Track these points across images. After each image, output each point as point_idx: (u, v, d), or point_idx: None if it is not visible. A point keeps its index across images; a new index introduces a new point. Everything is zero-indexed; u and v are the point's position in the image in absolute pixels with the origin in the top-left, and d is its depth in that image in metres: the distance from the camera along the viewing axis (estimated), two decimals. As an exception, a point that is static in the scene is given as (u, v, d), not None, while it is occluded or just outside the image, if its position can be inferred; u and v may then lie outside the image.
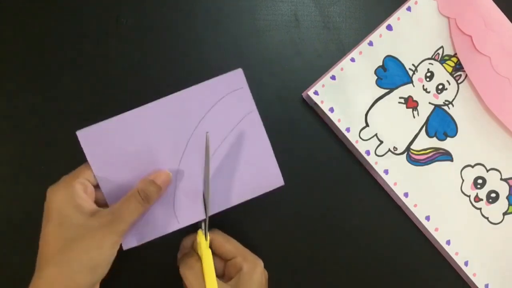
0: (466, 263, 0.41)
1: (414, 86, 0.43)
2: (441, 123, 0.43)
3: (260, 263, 0.35)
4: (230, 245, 0.35)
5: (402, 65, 0.43)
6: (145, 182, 0.33)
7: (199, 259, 0.34)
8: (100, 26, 0.43)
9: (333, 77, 0.42)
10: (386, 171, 0.42)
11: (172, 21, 0.43)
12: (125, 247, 0.34)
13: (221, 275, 0.36)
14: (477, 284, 0.41)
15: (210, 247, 0.34)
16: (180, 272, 0.34)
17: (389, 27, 0.43)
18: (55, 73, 0.42)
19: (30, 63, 0.42)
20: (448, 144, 0.42)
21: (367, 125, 0.42)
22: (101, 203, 0.34)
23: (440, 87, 0.43)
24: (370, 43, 0.43)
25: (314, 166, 0.42)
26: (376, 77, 0.43)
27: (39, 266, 0.31)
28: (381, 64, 0.43)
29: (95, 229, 0.31)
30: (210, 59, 0.43)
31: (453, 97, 0.43)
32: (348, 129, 0.42)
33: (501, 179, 0.43)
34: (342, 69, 0.42)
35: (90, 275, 0.31)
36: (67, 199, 0.31)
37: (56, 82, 0.42)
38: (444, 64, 0.43)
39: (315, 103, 0.42)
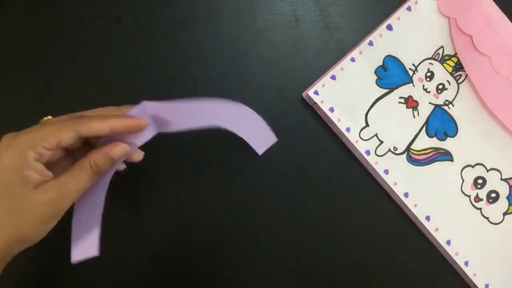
0: (466, 263, 0.41)
1: (414, 86, 0.43)
2: (441, 123, 0.43)
3: None
4: None
5: (402, 65, 0.43)
6: (100, 154, 0.30)
7: None
8: (100, 26, 0.43)
9: (333, 77, 0.42)
10: (386, 171, 0.42)
11: (172, 21, 0.43)
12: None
13: None
14: (477, 284, 0.41)
15: None
16: None
17: (389, 27, 0.43)
18: (55, 73, 0.42)
19: (29, 63, 0.42)
20: (448, 144, 0.42)
21: (367, 125, 0.42)
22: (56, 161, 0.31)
23: (440, 87, 0.43)
24: (370, 43, 0.43)
25: (314, 166, 0.42)
26: (376, 77, 0.43)
27: None
28: (381, 64, 0.43)
29: (36, 206, 0.29)
30: (210, 59, 0.43)
31: (453, 97, 0.43)
32: (348, 129, 0.42)
33: (501, 179, 0.42)
34: (342, 69, 0.42)
35: (16, 247, 0.30)
36: (14, 167, 0.28)
37: (56, 82, 0.42)
38: (444, 64, 0.43)
39: (315, 103, 0.42)
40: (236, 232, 0.41)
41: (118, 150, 0.31)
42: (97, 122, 0.30)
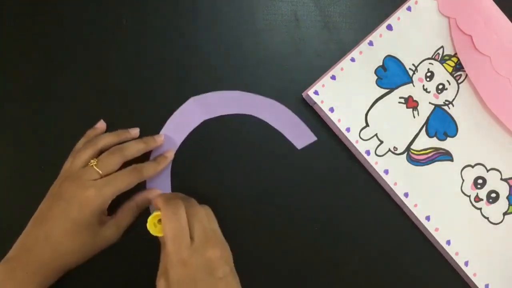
0: (466, 263, 0.41)
1: (414, 86, 0.43)
2: (441, 123, 0.43)
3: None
4: None
5: (402, 65, 0.43)
6: (141, 197, 0.39)
7: None
8: (100, 26, 0.43)
9: (333, 77, 0.42)
10: (386, 171, 0.42)
11: (172, 21, 0.43)
12: None
13: None
14: (477, 284, 0.41)
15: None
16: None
17: (389, 27, 0.43)
18: (55, 73, 0.42)
19: (29, 63, 0.42)
20: (448, 144, 0.42)
21: (367, 125, 0.42)
22: None
23: (440, 87, 0.43)
24: (370, 43, 0.43)
25: (314, 166, 0.42)
26: (376, 77, 0.43)
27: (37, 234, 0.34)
28: (381, 64, 0.43)
29: (102, 240, 0.36)
30: (210, 59, 0.43)
31: (453, 97, 0.43)
32: (348, 129, 0.42)
33: (501, 179, 0.42)
34: (342, 69, 0.42)
35: (65, 269, 0.35)
36: (97, 206, 0.35)
37: (56, 82, 0.42)
38: (444, 64, 0.43)
39: (315, 103, 0.42)
40: (235, 232, 0.41)
41: (153, 192, 0.40)
42: (152, 171, 0.39)
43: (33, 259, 0.33)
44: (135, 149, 0.38)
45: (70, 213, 0.34)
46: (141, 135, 0.41)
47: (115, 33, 0.43)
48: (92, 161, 0.36)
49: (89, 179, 0.35)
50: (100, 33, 0.43)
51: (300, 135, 0.42)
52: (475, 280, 0.41)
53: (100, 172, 0.35)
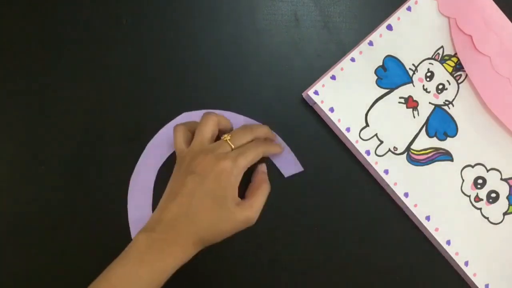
0: (466, 263, 0.41)
1: (414, 86, 0.43)
2: (441, 123, 0.43)
3: None
4: None
5: (402, 65, 0.43)
6: (264, 174, 0.40)
7: None
8: (100, 26, 0.43)
9: (333, 77, 0.42)
10: (386, 171, 0.42)
11: (172, 21, 0.43)
12: None
13: None
14: (477, 284, 0.41)
15: None
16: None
17: (389, 27, 0.43)
18: (55, 73, 0.42)
19: (30, 63, 0.42)
20: (448, 144, 0.42)
21: (367, 125, 0.42)
22: None
23: (440, 87, 0.43)
24: (370, 43, 0.43)
25: (314, 166, 0.42)
26: (376, 77, 0.43)
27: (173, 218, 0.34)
28: (381, 64, 0.43)
29: (237, 220, 0.35)
30: (210, 59, 0.43)
31: (453, 97, 0.43)
32: (348, 129, 0.42)
33: (501, 179, 0.42)
34: (342, 69, 0.42)
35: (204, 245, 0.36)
36: (233, 187, 0.35)
37: (56, 81, 0.42)
38: (444, 64, 0.43)
39: (315, 103, 0.42)
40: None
41: (264, 167, 0.41)
42: (276, 149, 0.40)
43: (173, 234, 0.33)
44: (263, 131, 0.39)
45: (207, 185, 0.34)
46: (141, 134, 0.41)
47: (115, 33, 0.43)
48: (225, 135, 0.37)
49: (223, 151, 0.35)
50: (100, 33, 0.43)
51: (288, 164, 0.42)
52: (475, 280, 0.41)
53: (233, 146, 0.36)
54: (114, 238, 0.40)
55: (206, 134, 0.36)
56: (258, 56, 0.43)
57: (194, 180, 0.34)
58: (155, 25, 0.43)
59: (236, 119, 0.42)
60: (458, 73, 0.43)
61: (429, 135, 0.42)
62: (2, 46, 0.42)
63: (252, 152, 0.36)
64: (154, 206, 0.41)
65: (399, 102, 0.43)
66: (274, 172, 0.42)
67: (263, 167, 0.41)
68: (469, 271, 0.41)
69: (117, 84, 0.42)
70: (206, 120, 0.37)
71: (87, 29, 0.43)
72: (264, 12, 0.44)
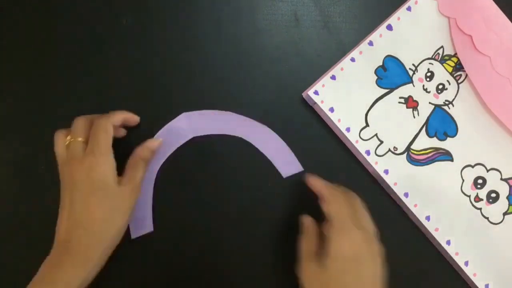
0: (466, 263, 0.41)
1: (414, 86, 0.43)
2: (441, 123, 0.43)
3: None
4: None
5: (402, 65, 0.43)
6: (143, 148, 0.38)
7: None
8: (100, 26, 0.43)
9: (333, 77, 0.42)
10: (386, 171, 0.42)
11: (172, 21, 0.43)
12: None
13: None
14: (477, 284, 0.41)
15: None
16: None
17: (389, 27, 0.43)
18: (55, 73, 0.42)
19: (30, 63, 0.42)
20: (448, 144, 0.42)
21: (367, 125, 0.42)
22: None
23: (440, 87, 0.43)
24: (370, 43, 0.43)
25: (314, 166, 0.42)
26: (376, 77, 0.43)
27: (78, 234, 0.34)
28: (381, 64, 0.43)
29: (125, 199, 0.35)
30: (210, 59, 0.43)
31: (453, 97, 0.43)
32: (348, 129, 0.42)
33: (501, 179, 0.42)
34: (342, 69, 0.42)
35: (119, 237, 0.36)
36: (108, 172, 0.35)
37: (56, 82, 0.42)
38: (444, 64, 0.43)
39: (315, 103, 0.42)
40: (234, 232, 0.41)
41: (155, 143, 0.39)
42: (118, 115, 0.39)
43: (75, 250, 0.33)
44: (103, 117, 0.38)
45: (85, 187, 0.34)
46: (140, 133, 0.41)
47: (115, 33, 0.43)
48: (67, 138, 0.36)
49: (77, 151, 0.35)
50: (100, 33, 0.43)
51: (287, 164, 0.42)
52: (475, 280, 0.41)
53: (80, 138, 0.35)
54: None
55: (56, 148, 0.36)
56: (258, 56, 0.43)
57: (68, 192, 0.34)
58: (155, 25, 0.43)
59: (236, 120, 0.42)
60: (458, 73, 0.43)
61: (429, 135, 0.42)
62: (2, 46, 0.42)
63: (99, 133, 0.35)
64: (155, 206, 0.41)
65: (399, 102, 0.43)
66: (273, 173, 0.42)
67: (150, 143, 0.39)
68: (469, 271, 0.41)
69: (117, 84, 0.42)
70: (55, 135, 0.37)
71: (87, 29, 0.43)
72: (264, 12, 0.44)
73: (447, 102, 0.43)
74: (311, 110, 0.43)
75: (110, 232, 0.35)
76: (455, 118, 0.43)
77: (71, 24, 0.43)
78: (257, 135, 0.42)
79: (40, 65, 0.42)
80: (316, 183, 0.37)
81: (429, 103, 0.43)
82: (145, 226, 0.40)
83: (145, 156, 0.38)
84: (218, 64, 0.43)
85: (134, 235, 0.40)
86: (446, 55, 0.43)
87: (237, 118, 0.42)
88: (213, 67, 0.43)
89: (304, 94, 0.42)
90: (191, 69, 0.43)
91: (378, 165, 0.42)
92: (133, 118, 0.40)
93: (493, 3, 0.43)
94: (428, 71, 0.43)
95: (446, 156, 0.42)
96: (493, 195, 0.42)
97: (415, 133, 0.42)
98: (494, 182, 0.42)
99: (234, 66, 0.43)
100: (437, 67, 0.43)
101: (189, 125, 0.41)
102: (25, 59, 0.42)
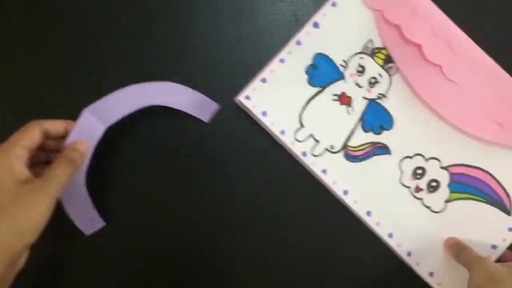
0: (409, 254, 0.42)
1: (346, 82, 0.42)
2: (376, 117, 0.42)
3: None
4: None
5: (332, 61, 0.42)
6: (70, 149, 0.37)
7: None
8: (100, 26, 0.42)
9: (263, 80, 0.41)
10: (324, 171, 0.42)
11: (172, 21, 0.43)
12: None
13: None
14: (420, 273, 0.42)
15: None
16: None
17: (316, 25, 0.42)
18: (55, 72, 0.42)
19: (30, 63, 0.42)
20: (385, 138, 0.42)
21: (302, 126, 0.42)
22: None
23: (373, 80, 0.42)
24: (298, 42, 0.42)
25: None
26: (307, 76, 0.42)
27: None
28: (311, 62, 0.42)
29: (25, 194, 0.32)
30: (210, 59, 0.42)
31: (386, 90, 0.42)
32: (282, 132, 0.41)
33: (441, 167, 0.43)
34: (272, 71, 0.42)
35: (20, 239, 0.33)
36: (2, 167, 0.33)
37: (56, 81, 0.42)
38: (374, 57, 0.42)
39: (248, 108, 0.41)
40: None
41: (84, 144, 0.38)
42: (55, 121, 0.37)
43: None
44: None
45: None
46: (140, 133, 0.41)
47: (115, 33, 0.42)
48: None
49: None
50: (100, 33, 0.42)
51: (204, 107, 0.41)
52: (418, 269, 0.42)
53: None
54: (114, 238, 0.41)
55: None
56: (258, 56, 0.42)
57: None
58: (155, 25, 0.42)
59: (139, 89, 0.39)
60: (389, 65, 0.42)
61: (365, 130, 0.42)
62: (2, 46, 0.42)
63: (19, 130, 0.35)
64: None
65: (333, 100, 0.42)
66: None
67: (79, 145, 0.37)
68: (412, 261, 0.42)
69: (117, 84, 0.41)
70: None
71: (87, 29, 0.42)
72: (264, 12, 0.43)
73: (380, 96, 0.42)
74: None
75: (22, 230, 0.32)
76: (390, 111, 0.42)
77: (71, 24, 0.42)
78: (165, 94, 0.40)
79: (40, 65, 0.42)
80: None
81: (363, 97, 0.42)
82: (95, 222, 0.40)
83: (73, 158, 0.36)
84: (218, 65, 0.42)
85: (87, 232, 0.40)
86: (376, 48, 0.42)
87: (138, 88, 0.39)
88: (213, 68, 0.42)
89: (236, 100, 0.42)
90: (191, 70, 0.42)
91: (316, 165, 0.42)
92: (55, 128, 0.37)
93: (421, -11, 0.42)
94: (359, 65, 0.42)
95: (383, 150, 0.42)
96: (434, 184, 0.42)
97: (350, 130, 0.42)
98: (434, 171, 0.42)
99: (234, 66, 0.43)
100: (367, 61, 0.42)
101: (97, 117, 0.38)
102: (25, 59, 0.42)
